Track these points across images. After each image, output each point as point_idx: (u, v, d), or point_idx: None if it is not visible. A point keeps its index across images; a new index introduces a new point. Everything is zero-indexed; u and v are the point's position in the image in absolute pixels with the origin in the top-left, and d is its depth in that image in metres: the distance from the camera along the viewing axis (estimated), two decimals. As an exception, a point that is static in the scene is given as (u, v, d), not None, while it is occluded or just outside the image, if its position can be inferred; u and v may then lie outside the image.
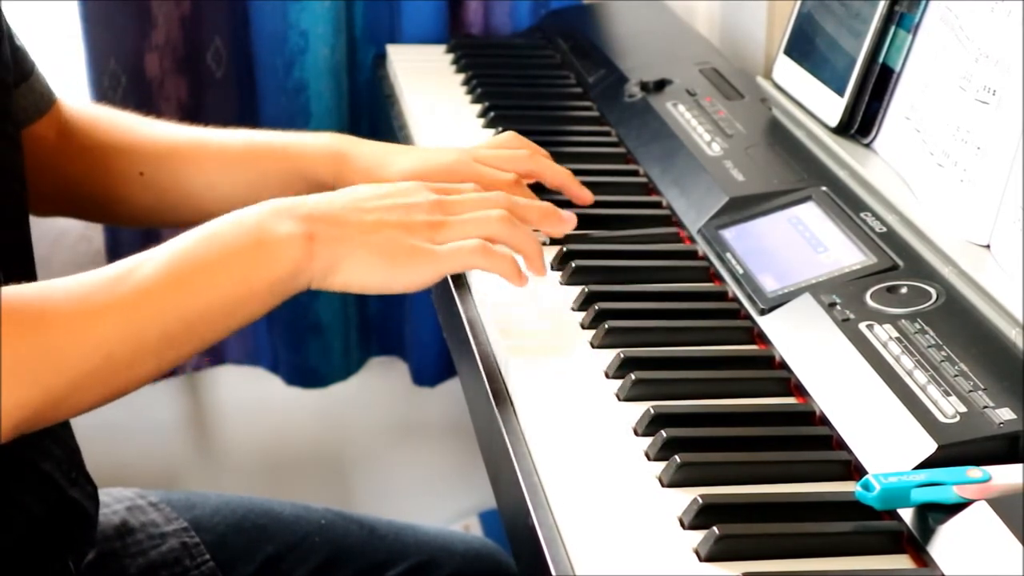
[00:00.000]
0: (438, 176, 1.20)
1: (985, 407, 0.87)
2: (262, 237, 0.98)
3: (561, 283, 1.13)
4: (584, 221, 1.21)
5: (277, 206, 1.00)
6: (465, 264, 1.03)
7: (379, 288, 1.01)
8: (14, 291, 0.91)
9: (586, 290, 1.10)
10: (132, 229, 1.80)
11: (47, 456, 1.08)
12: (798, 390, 0.98)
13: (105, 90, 1.72)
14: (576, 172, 1.28)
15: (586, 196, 1.24)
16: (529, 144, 1.27)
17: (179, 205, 1.29)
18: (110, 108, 1.34)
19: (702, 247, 1.18)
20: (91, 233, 1.83)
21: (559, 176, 1.24)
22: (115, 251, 1.80)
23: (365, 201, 1.03)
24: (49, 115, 1.26)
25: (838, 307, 1.01)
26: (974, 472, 0.82)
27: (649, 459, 0.90)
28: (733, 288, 1.11)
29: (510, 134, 1.28)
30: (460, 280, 1.14)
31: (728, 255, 1.14)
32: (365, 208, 1.02)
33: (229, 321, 0.97)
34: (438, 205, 1.05)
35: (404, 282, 1.01)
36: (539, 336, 1.05)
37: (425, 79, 1.63)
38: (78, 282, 0.93)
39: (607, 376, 1.00)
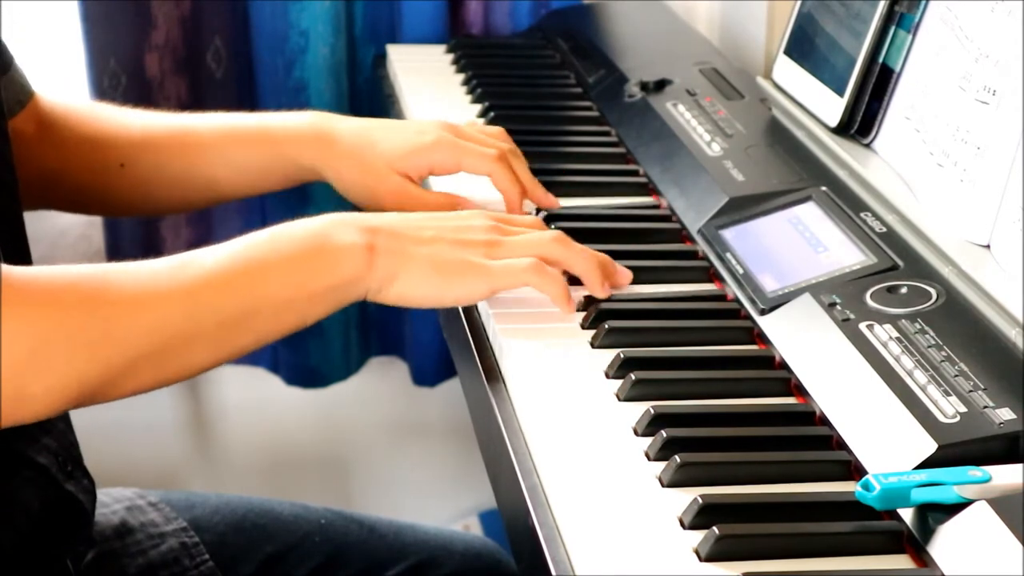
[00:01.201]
0: (420, 159, 1.24)
1: (985, 407, 0.87)
2: (325, 244, 1.01)
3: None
4: (584, 220, 1.21)
5: (343, 217, 1.04)
6: (517, 281, 1.04)
7: (432, 301, 1.04)
8: (77, 269, 0.94)
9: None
10: (133, 230, 1.80)
11: (43, 450, 1.08)
12: (798, 390, 0.98)
13: (105, 90, 1.72)
14: (576, 172, 1.29)
15: (551, 202, 1.25)
16: (510, 142, 1.28)
17: (162, 194, 1.30)
18: (89, 100, 1.34)
19: (702, 247, 1.18)
20: (91, 232, 1.83)
21: (527, 178, 1.25)
22: (115, 250, 1.81)
23: (426, 220, 1.07)
24: (28, 108, 1.26)
25: (838, 307, 1.01)
26: (974, 472, 0.82)
27: (649, 459, 0.90)
28: (733, 288, 1.11)
29: (499, 128, 1.30)
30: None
31: (728, 255, 1.14)
32: (425, 226, 1.05)
33: (284, 321, 1.00)
34: (495, 228, 1.07)
35: (456, 295, 1.04)
36: (539, 336, 1.05)
37: (425, 79, 1.63)
38: (138, 266, 0.96)
39: (607, 376, 1.00)
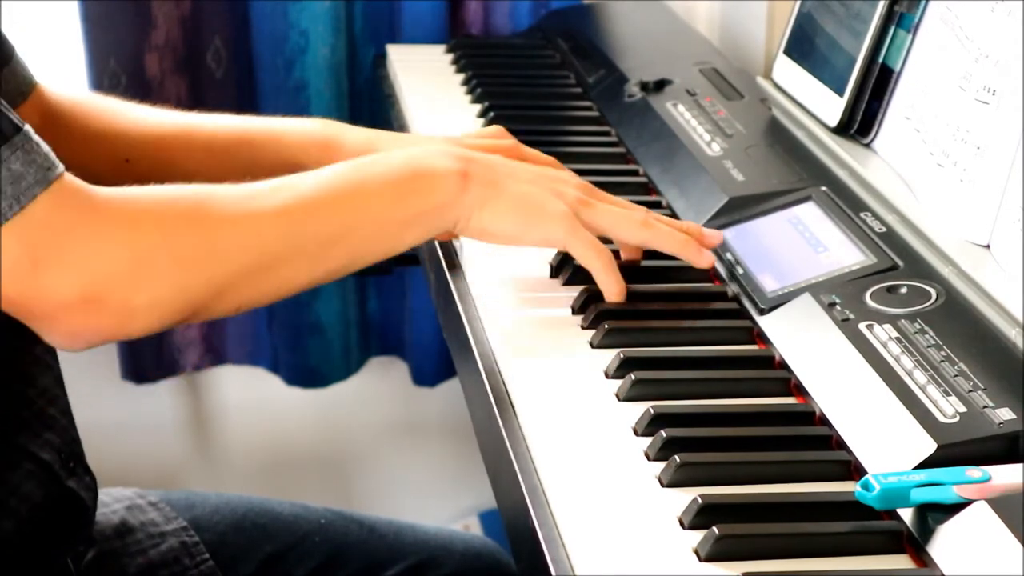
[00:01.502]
0: None
1: (985, 407, 0.87)
2: (420, 169, 1.04)
3: (561, 284, 1.13)
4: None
5: (441, 145, 1.08)
6: (589, 256, 1.06)
7: (512, 239, 1.06)
8: (179, 188, 0.98)
9: (586, 290, 1.10)
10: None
11: (45, 445, 1.08)
12: (798, 390, 0.98)
13: (105, 90, 1.72)
14: (576, 172, 1.28)
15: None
16: (512, 138, 1.28)
17: None
18: (94, 94, 1.33)
19: (702, 247, 1.18)
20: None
21: (544, 163, 1.25)
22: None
23: (522, 165, 1.10)
24: (31, 100, 1.25)
25: (838, 307, 1.01)
26: (974, 472, 0.82)
27: (649, 459, 0.90)
28: (733, 288, 1.11)
29: (496, 127, 1.29)
30: (460, 280, 1.14)
31: (728, 255, 1.14)
32: (522, 167, 1.09)
33: (379, 243, 1.03)
34: (588, 188, 1.10)
35: (536, 237, 1.07)
36: (539, 336, 1.05)
37: (425, 79, 1.63)
38: (237, 188, 1.00)
39: (607, 376, 1.00)
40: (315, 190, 1.01)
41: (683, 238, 1.10)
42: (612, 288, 1.07)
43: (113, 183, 1.29)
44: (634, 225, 1.09)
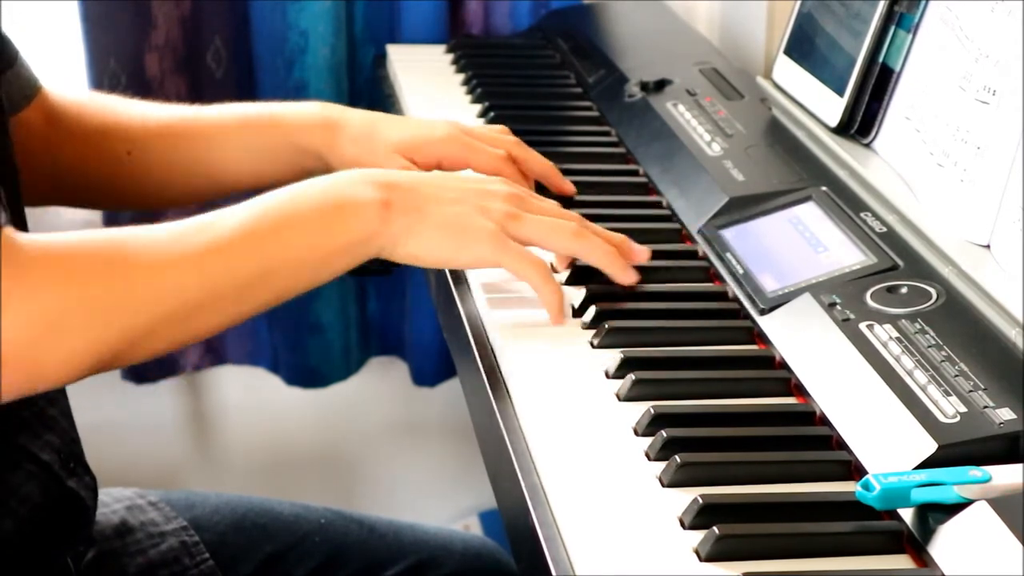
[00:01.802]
0: (428, 149, 1.25)
1: (985, 407, 0.87)
2: (340, 201, 1.01)
3: (561, 283, 1.13)
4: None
5: (360, 173, 1.04)
6: (524, 270, 1.04)
7: (443, 261, 1.05)
8: (93, 236, 0.95)
9: (587, 290, 1.10)
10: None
11: (45, 446, 1.08)
12: (798, 390, 0.98)
13: (105, 90, 1.71)
14: (576, 172, 1.28)
15: (568, 188, 1.27)
16: (513, 137, 1.28)
17: (169, 184, 1.30)
18: (97, 92, 1.34)
19: (702, 247, 1.18)
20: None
21: (543, 165, 1.26)
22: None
23: (447, 180, 1.08)
24: (35, 101, 1.26)
25: (838, 307, 1.01)
26: (974, 472, 0.82)
27: (649, 459, 0.90)
28: (733, 288, 1.11)
29: (500, 126, 1.30)
30: (460, 280, 1.14)
31: (728, 255, 1.14)
32: (446, 185, 1.06)
33: (300, 279, 1.01)
34: (518, 198, 1.07)
35: (467, 259, 1.05)
36: (539, 336, 1.05)
37: (425, 79, 1.63)
38: (156, 231, 0.97)
39: (607, 376, 1.00)
40: (233, 231, 0.98)
41: (611, 251, 1.08)
42: (551, 299, 1.05)
43: (119, 177, 1.29)
44: (563, 236, 1.07)
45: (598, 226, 1.11)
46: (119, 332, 0.93)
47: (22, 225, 1.10)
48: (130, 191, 1.31)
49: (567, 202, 1.23)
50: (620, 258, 1.09)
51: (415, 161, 1.25)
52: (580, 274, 1.13)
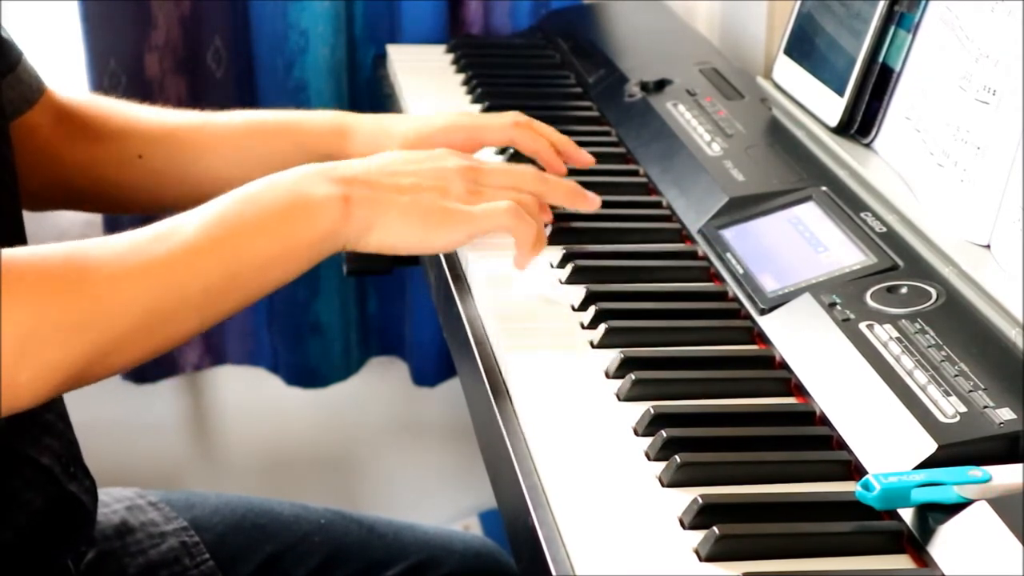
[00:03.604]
0: (437, 137, 1.25)
1: (985, 407, 0.87)
2: (299, 199, 1.00)
3: (562, 283, 1.13)
4: (584, 219, 1.21)
5: (314, 169, 1.03)
6: (497, 224, 1.05)
7: (414, 248, 1.04)
8: (52, 250, 0.93)
9: (587, 290, 1.10)
10: (132, 228, 1.80)
11: (45, 450, 1.08)
12: (798, 390, 0.98)
13: (105, 90, 1.72)
14: (576, 172, 1.28)
15: (586, 159, 1.28)
16: (526, 118, 1.29)
17: (178, 187, 1.29)
18: (107, 97, 1.33)
19: (702, 247, 1.18)
20: (91, 232, 1.83)
21: (557, 138, 1.27)
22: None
23: (400, 165, 1.07)
24: (40, 104, 1.25)
25: (838, 307, 1.01)
26: (974, 472, 0.82)
27: (649, 459, 0.90)
28: (733, 288, 1.11)
29: (514, 112, 1.30)
30: (460, 280, 1.14)
31: (728, 255, 1.14)
32: (401, 172, 1.06)
33: (267, 279, 1.00)
34: (471, 171, 1.08)
35: (439, 243, 1.05)
36: (539, 336, 1.05)
37: (425, 79, 1.63)
38: (117, 242, 0.95)
39: (607, 376, 1.00)
40: (194, 237, 0.96)
41: (572, 187, 1.14)
42: (527, 234, 1.07)
43: (128, 180, 1.29)
44: (526, 181, 1.10)
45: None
46: (88, 347, 0.91)
47: (19, 231, 1.10)
48: (141, 194, 1.31)
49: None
50: (580, 191, 1.15)
51: None
52: (581, 273, 1.13)
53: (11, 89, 1.20)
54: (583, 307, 1.08)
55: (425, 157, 1.09)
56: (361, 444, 2.13)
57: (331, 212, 1.01)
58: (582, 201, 1.15)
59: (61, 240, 1.81)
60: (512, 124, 1.25)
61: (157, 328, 0.95)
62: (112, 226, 1.80)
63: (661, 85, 1.47)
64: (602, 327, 1.04)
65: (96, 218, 1.81)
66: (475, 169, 1.09)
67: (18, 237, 1.10)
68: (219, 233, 0.97)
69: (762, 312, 1.06)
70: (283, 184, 1.02)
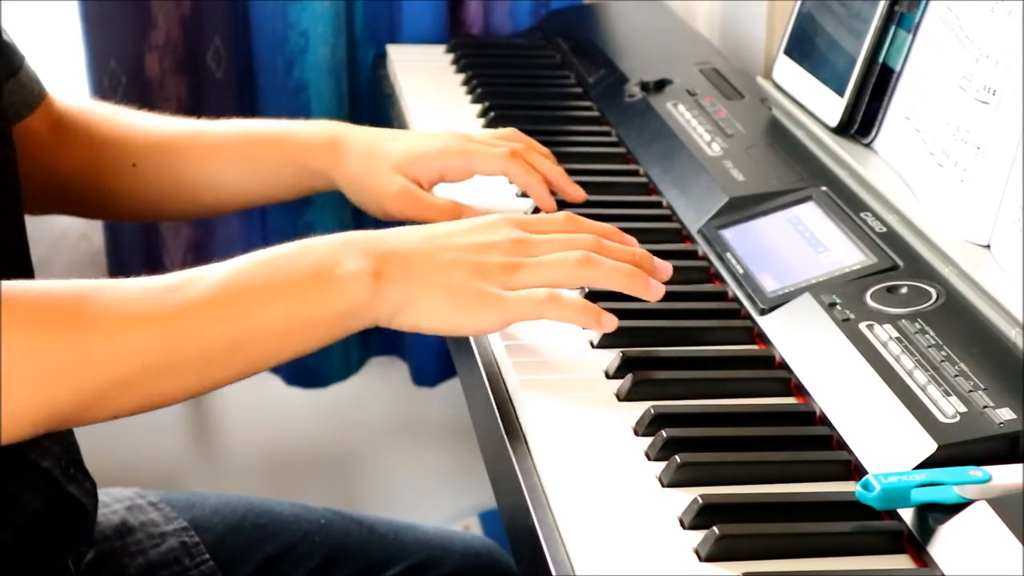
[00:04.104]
0: (429, 163, 1.22)
1: (985, 407, 0.87)
2: (328, 270, 0.94)
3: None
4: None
5: (351, 238, 0.97)
6: (533, 314, 0.98)
7: (449, 331, 0.98)
8: (55, 286, 0.89)
9: (586, 290, 1.10)
10: (133, 230, 1.80)
11: (45, 453, 1.08)
12: (798, 390, 0.98)
13: (105, 90, 1.72)
14: (576, 172, 1.28)
15: (576, 194, 1.24)
16: (527, 139, 1.27)
17: (173, 197, 1.30)
18: (104, 103, 1.34)
19: (702, 247, 1.18)
20: (91, 233, 1.83)
21: (551, 171, 1.24)
22: (115, 251, 1.80)
23: (443, 238, 1.00)
24: (40, 109, 1.26)
25: (838, 307, 1.01)
26: (974, 472, 0.82)
27: (649, 459, 0.90)
28: (733, 288, 1.11)
29: (510, 129, 1.29)
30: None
31: (728, 255, 1.14)
32: (442, 245, 0.98)
33: (281, 349, 0.94)
34: (519, 244, 1.00)
35: (472, 326, 0.98)
36: (539, 336, 1.05)
37: (425, 79, 1.63)
38: (125, 286, 0.91)
39: (607, 376, 1.00)
40: (205, 294, 0.91)
41: (626, 272, 1.01)
42: (583, 319, 0.99)
43: (123, 188, 1.29)
44: (570, 272, 0.99)
45: (614, 240, 1.04)
46: (71, 391, 0.87)
47: (21, 234, 1.10)
48: (137, 202, 1.31)
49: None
50: (638, 275, 1.01)
51: (418, 178, 1.23)
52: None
53: (13, 93, 1.20)
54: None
55: (474, 226, 1.01)
56: (361, 444, 2.13)
57: (359, 288, 0.94)
58: (641, 287, 1.01)
59: (62, 240, 1.83)
60: (507, 155, 1.22)
61: (148, 384, 0.91)
62: (112, 228, 1.80)
63: (661, 85, 1.47)
64: (602, 327, 1.04)
65: (96, 223, 1.80)
66: (523, 242, 1.00)
67: (19, 240, 1.10)
68: (229, 294, 0.92)
69: (762, 312, 1.06)
70: (314, 250, 0.96)
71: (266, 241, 1.89)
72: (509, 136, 1.28)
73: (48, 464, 1.08)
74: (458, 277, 0.97)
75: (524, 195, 1.26)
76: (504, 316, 0.97)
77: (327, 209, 1.82)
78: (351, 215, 1.78)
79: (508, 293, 0.97)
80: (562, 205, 1.23)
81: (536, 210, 1.25)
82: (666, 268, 1.05)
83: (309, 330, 0.94)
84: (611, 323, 1.00)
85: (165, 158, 1.28)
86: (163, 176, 1.28)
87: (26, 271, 1.10)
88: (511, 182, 1.26)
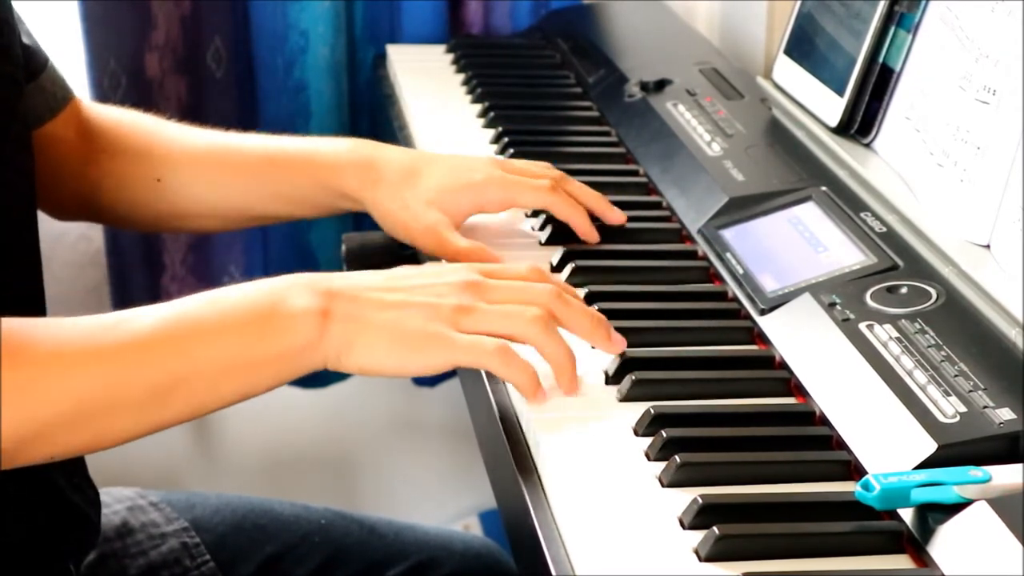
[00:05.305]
0: (468, 197, 1.18)
1: (985, 407, 0.87)
2: (271, 308, 0.92)
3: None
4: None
5: (299, 278, 0.95)
6: (478, 363, 0.95)
7: (393, 372, 0.95)
8: (6, 324, 0.87)
9: (587, 290, 1.10)
10: (133, 232, 1.80)
11: (49, 463, 1.08)
12: (798, 390, 0.98)
13: (105, 90, 1.72)
14: (576, 172, 1.28)
15: (616, 217, 1.21)
16: (559, 172, 1.24)
17: (196, 213, 1.27)
18: (134, 111, 1.31)
19: (702, 247, 1.18)
20: (91, 233, 1.83)
21: (591, 196, 1.21)
22: (115, 251, 1.80)
23: (398, 280, 0.98)
24: (64, 114, 1.23)
25: (838, 307, 1.01)
26: (974, 472, 0.82)
27: (649, 459, 0.90)
28: (733, 288, 1.11)
29: (544, 163, 1.25)
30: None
31: (728, 255, 1.14)
32: (393, 287, 0.96)
33: (224, 390, 0.92)
34: (474, 287, 0.97)
35: (416, 366, 0.95)
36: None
37: (425, 79, 1.63)
38: (70, 324, 0.90)
39: (607, 376, 1.00)
40: (146, 332, 0.89)
41: (593, 319, 0.99)
42: (520, 380, 0.95)
43: (146, 202, 1.28)
44: (520, 324, 0.96)
45: (572, 296, 1.01)
46: (13, 427, 0.85)
47: (33, 241, 1.09)
48: (163, 215, 1.28)
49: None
50: (604, 326, 1.00)
51: (453, 211, 1.18)
52: (580, 273, 1.13)
53: (32, 97, 1.17)
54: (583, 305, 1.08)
55: (431, 271, 0.99)
56: (361, 444, 2.13)
57: (305, 326, 0.92)
58: (604, 338, 1.00)
59: (62, 240, 1.83)
60: (549, 188, 1.18)
61: (85, 424, 0.88)
62: (113, 229, 1.80)
63: (661, 85, 1.47)
64: (602, 327, 1.04)
65: (96, 227, 1.80)
66: (479, 285, 0.97)
67: (32, 246, 1.09)
68: (171, 332, 0.90)
69: (762, 312, 1.06)
70: (260, 290, 0.94)
71: (265, 241, 1.90)
72: (543, 167, 1.24)
73: (51, 473, 1.08)
74: (405, 316, 0.94)
75: (535, 214, 1.25)
76: (449, 358, 0.94)
77: (326, 218, 1.82)
78: (351, 216, 1.78)
79: (457, 335, 0.94)
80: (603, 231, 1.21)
81: (536, 213, 1.25)
82: (620, 342, 1.01)
83: (253, 369, 0.92)
84: (539, 398, 0.96)
85: (189, 175, 1.25)
86: (186, 192, 1.26)
87: (35, 276, 1.09)
88: (554, 215, 1.20)
